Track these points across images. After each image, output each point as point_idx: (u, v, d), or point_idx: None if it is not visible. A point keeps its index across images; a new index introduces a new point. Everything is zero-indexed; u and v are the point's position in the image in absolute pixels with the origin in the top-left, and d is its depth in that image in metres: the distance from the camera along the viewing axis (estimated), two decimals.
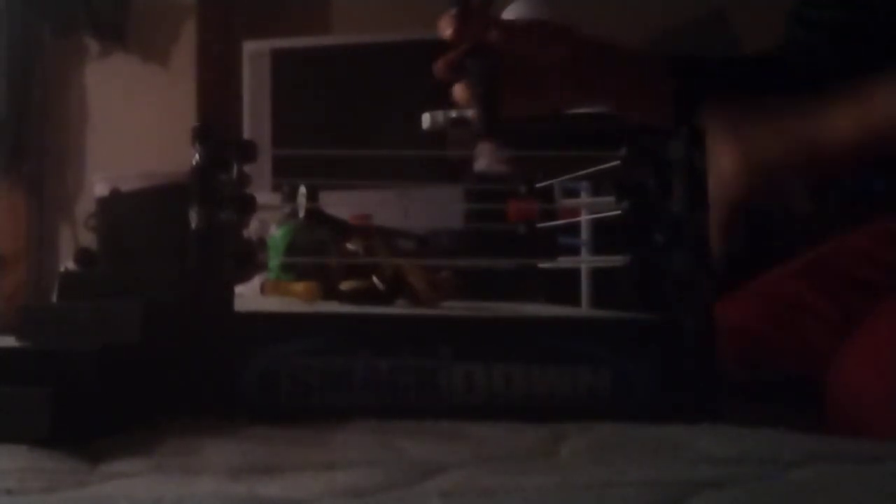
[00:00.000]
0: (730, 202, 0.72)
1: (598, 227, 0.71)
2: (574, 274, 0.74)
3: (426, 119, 0.82)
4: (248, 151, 0.53)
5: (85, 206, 2.52)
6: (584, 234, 0.73)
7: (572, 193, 0.77)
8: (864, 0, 0.86)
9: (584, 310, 0.76)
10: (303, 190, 0.72)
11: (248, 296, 0.81)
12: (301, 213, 0.71)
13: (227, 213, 0.51)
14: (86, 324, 0.50)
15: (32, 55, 2.74)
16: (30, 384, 0.42)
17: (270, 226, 0.88)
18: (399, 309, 0.66)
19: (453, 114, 0.94)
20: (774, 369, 0.78)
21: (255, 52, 2.51)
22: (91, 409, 0.44)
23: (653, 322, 0.53)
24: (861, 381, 0.65)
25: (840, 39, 0.86)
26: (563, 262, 0.74)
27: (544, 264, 0.79)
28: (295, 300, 0.72)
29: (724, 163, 0.73)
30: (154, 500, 0.34)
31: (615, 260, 0.56)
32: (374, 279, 0.67)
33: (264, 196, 0.58)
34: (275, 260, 0.79)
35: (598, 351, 0.51)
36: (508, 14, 2.06)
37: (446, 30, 0.74)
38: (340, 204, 0.88)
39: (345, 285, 0.69)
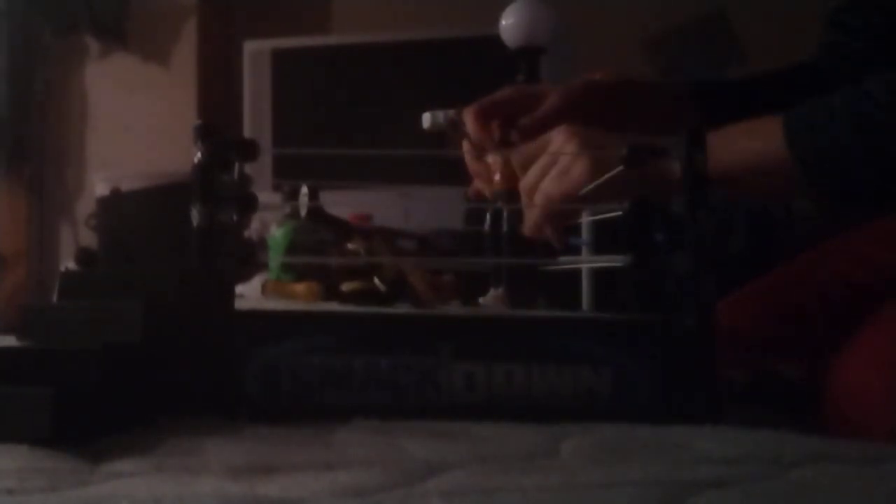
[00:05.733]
0: None
1: (600, 226, 0.71)
2: (575, 274, 0.74)
3: (426, 119, 0.82)
4: (249, 150, 0.53)
5: (85, 206, 2.52)
6: (585, 233, 0.73)
7: None
8: None
9: (585, 310, 0.76)
10: (304, 189, 0.72)
11: (249, 296, 0.81)
12: (302, 213, 0.71)
13: (228, 213, 0.51)
14: (87, 323, 0.50)
15: (33, 55, 2.74)
16: (30, 384, 0.42)
17: (271, 225, 0.88)
18: (400, 309, 0.66)
19: (453, 113, 0.94)
20: (774, 371, 0.77)
21: (255, 52, 2.51)
22: (92, 409, 0.44)
23: (653, 322, 0.53)
24: (861, 383, 0.65)
25: (879, 45, 0.84)
26: (564, 262, 0.74)
27: (545, 265, 0.79)
28: (296, 301, 0.72)
29: None
30: (154, 499, 0.34)
31: (616, 260, 0.56)
32: (375, 280, 0.67)
33: (265, 196, 0.58)
34: (275, 260, 0.79)
35: (599, 351, 0.51)
36: (509, 14, 2.03)
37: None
38: (341, 204, 0.88)
39: (346, 286, 0.69)
